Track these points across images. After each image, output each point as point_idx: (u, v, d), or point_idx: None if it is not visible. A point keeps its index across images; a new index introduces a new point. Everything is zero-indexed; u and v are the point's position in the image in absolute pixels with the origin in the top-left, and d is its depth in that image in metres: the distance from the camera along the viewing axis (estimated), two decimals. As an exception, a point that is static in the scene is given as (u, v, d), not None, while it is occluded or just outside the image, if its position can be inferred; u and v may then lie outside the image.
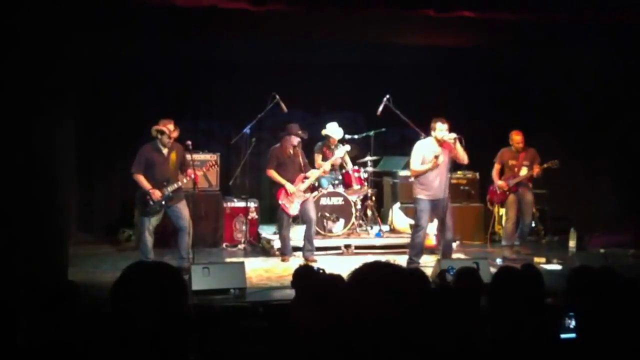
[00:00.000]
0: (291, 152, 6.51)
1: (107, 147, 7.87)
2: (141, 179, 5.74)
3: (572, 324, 2.52)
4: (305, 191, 6.52)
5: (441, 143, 6.04)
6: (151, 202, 5.73)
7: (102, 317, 2.62)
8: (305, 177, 6.56)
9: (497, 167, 6.83)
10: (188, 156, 6.00)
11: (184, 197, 5.92)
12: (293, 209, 6.44)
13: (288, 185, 6.41)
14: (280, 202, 6.46)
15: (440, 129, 6.00)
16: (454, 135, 5.94)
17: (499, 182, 6.74)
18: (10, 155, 4.50)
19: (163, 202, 5.77)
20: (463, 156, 6.06)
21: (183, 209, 5.86)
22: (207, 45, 7.55)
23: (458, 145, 5.96)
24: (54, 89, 4.88)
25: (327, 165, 6.81)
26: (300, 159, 6.58)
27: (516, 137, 6.67)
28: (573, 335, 2.41)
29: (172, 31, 6.73)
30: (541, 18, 6.20)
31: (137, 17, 6.01)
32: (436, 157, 5.96)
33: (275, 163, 6.49)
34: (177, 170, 5.88)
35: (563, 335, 2.48)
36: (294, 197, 6.43)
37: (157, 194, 5.71)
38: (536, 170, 6.53)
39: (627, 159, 7.22)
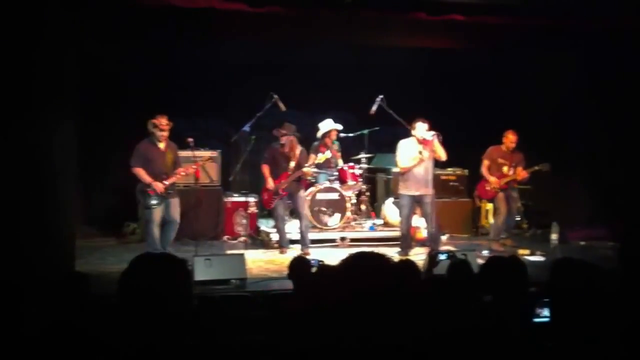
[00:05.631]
0: (286, 150, 6.70)
1: (109, 142, 8.01)
2: (141, 172, 5.87)
3: (545, 312, 2.72)
4: (284, 189, 6.65)
5: (421, 141, 6.38)
6: (151, 194, 5.88)
7: (110, 307, 2.83)
8: (287, 175, 6.69)
9: (486, 163, 7.00)
10: (185, 154, 6.26)
11: (177, 195, 6.09)
12: (268, 203, 6.74)
13: (269, 180, 6.67)
14: (263, 194, 6.79)
15: (420, 128, 6.36)
16: (432, 132, 6.28)
17: (492, 179, 6.93)
18: (14, 152, 4.56)
19: (163, 193, 5.92)
20: (441, 153, 6.37)
21: (174, 206, 6.00)
22: (206, 45, 7.66)
23: (436, 142, 6.27)
24: (55, 87, 4.95)
25: (305, 169, 6.66)
26: (295, 159, 6.67)
27: (511, 137, 6.85)
28: (546, 319, 2.58)
29: (171, 31, 6.88)
30: (527, 22, 6.48)
31: (136, 17, 6.15)
32: (420, 152, 6.34)
33: (270, 160, 6.75)
34: (172, 167, 6.03)
35: (536, 320, 2.72)
36: (272, 194, 6.67)
37: (159, 186, 5.85)
38: (522, 173, 6.80)
39: (603, 158, 7.48)
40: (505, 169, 6.94)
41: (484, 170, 7.03)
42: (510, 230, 7.15)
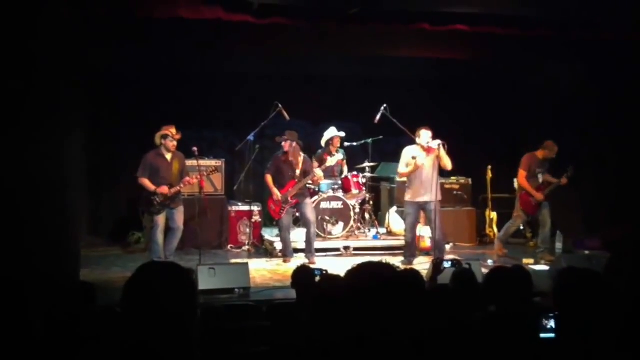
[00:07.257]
0: (290, 158, 6.70)
1: (115, 153, 8.08)
2: (146, 182, 6.06)
3: (552, 324, 2.65)
4: (293, 197, 6.67)
5: (425, 149, 6.38)
6: (155, 202, 6.02)
7: (115, 316, 2.84)
8: (295, 183, 6.71)
9: (524, 174, 6.74)
10: (190, 163, 6.38)
11: (182, 203, 6.23)
12: (278, 214, 6.69)
13: (274, 191, 6.66)
14: (270, 205, 6.77)
15: (424, 136, 6.36)
16: (438, 141, 6.27)
17: (540, 195, 6.71)
18: (21, 161, 4.51)
19: (167, 202, 6.07)
20: (447, 162, 6.34)
21: (178, 213, 6.16)
22: (212, 56, 7.76)
23: (442, 151, 6.26)
24: (64, 98, 4.94)
25: (318, 172, 6.78)
26: (299, 167, 6.69)
27: (556, 148, 6.69)
28: (552, 335, 2.47)
29: (179, 42, 6.97)
30: (529, 34, 6.51)
31: (145, 29, 6.25)
32: (414, 157, 6.34)
33: (274, 169, 6.76)
34: (179, 176, 6.18)
35: (542, 335, 2.57)
36: (280, 203, 6.67)
37: (164, 189, 6.01)
38: (564, 180, 6.71)
39: (608, 168, 7.50)
40: (540, 177, 6.83)
41: (525, 182, 6.75)
42: (547, 242, 6.92)
